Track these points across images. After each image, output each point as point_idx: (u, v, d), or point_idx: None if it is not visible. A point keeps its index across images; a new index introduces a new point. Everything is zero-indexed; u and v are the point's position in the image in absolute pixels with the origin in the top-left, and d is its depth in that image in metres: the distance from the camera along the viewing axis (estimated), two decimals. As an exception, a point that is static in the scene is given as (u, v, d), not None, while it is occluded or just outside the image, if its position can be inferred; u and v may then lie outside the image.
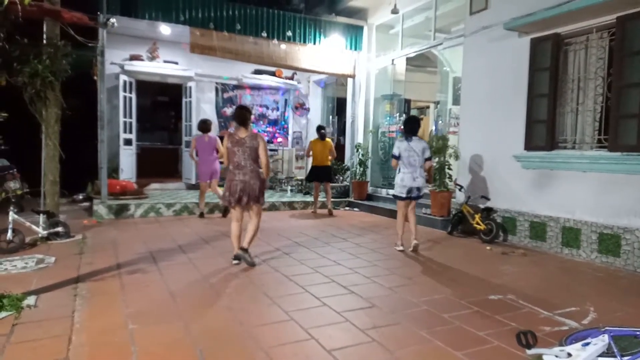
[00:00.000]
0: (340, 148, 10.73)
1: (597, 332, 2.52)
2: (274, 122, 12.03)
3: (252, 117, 4.89)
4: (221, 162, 7.20)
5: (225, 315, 3.37)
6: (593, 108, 5.46)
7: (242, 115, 4.79)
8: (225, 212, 7.90)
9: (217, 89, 11.39)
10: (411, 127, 5.64)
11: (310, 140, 9.28)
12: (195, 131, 10.75)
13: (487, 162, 6.64)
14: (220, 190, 7.65)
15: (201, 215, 7.88)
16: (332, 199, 9.55)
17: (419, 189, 5.54)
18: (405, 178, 5.50)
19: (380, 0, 9.18)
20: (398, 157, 5.56)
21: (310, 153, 8.70)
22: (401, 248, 5.61)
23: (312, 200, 9.10)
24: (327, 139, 8.76)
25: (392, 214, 8.37)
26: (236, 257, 4.69)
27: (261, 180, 4.73)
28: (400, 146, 5.55)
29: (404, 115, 10.26)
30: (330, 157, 8.67)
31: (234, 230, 4.78)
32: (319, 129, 8.78)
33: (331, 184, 9.89)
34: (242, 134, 4.70)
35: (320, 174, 8.66)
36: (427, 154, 5.58)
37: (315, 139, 8.74)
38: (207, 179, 7.65)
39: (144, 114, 12.05)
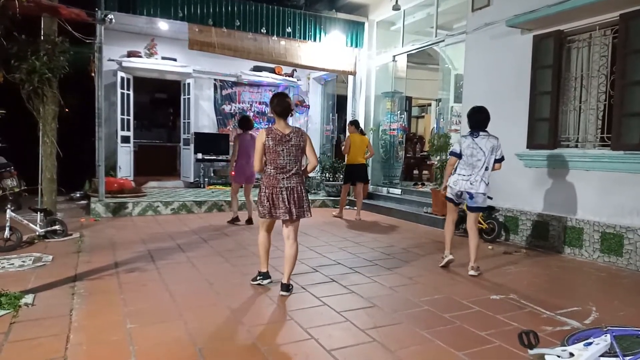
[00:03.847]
0: (339, 146, 10.67)
1: (599, 332, 2.50)
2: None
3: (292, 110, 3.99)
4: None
5: (225, 315, 3.33)
6: (596, 106, 5.42)
7: (286, 104, 3.80)
8: (250, 219, 7.08)
9: (215, 86, 11.33)
10: (479, 119, 4.58)
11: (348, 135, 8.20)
12: (194, 129, 10.77)
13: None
14: (252, 197, 7.01)
15: (235, 220, 7.03)
16: (333, 198, 9.51)
17: (472, 195, 4.54)
18: (460, 181, 4.57)
19: (382, -4, 9.14)
20: (459, 155, 4.58)
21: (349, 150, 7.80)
22: (450, 257, 4.70)
23: (311, 199, 9.01)
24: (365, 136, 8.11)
25: (393, 212, 8.37)
26: (267, 275, 3.99)
27: (305, 186, 3.93)
28: (462, 142, 4.59)
29: (405, 112, 10.23)
30: (367, 155, 7.99)
31: (264, 241, 3.94)
32: (359, 123, 8.14)
33: (333, 183, 9.87)
34: (286, 129, 3.78)
35: (357, 174, 7.92)
36: (499, 154, 4.54)
37: (353, 133, 7.89)
38: (243, 182, 7.01)
39: (142, 111, 12.02)
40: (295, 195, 3.76)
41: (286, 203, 3.73)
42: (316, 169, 10.79)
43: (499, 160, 4.58)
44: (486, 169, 4.52)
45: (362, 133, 8.10)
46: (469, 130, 4.66)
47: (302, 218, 3.84)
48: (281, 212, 3.73)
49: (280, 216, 3.75)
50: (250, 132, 7.00)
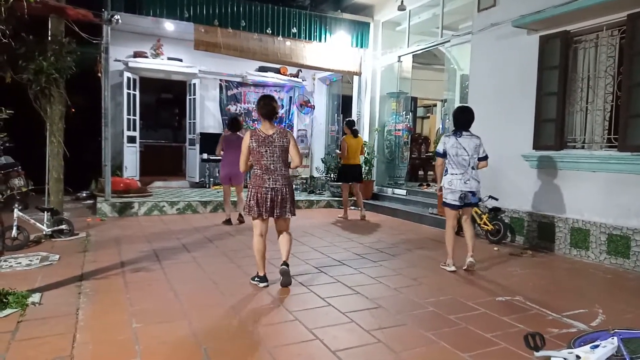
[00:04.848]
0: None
1: (606, 335, 2.48)
2: (278, 120, 11.99)
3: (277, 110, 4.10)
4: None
5: (230, 315, 3.34)
6: (603, 107, 5.39)
7: (270, 107, 3.91)
8: (241, 217, 7.13)
9: (221, 86, 11.36)
10: (465, 119, 4.66)
11: (342, 137, 8.27)
12: (199, 129, 10.81)
13: (495, 162, 6.53)
14: (244, 197, 7.35)
15: (227, 222, 7.06)
16: (337, 198, 9.50)
17: (473, 193, 4.61)
18: (455, 181, 4.59)
19: (387, -3, 9.14)
20: (443, 155, 4.67)
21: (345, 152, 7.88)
22: (453, 268, 4.66)
23: (316, 199, 8.99)
24: (359, 136, 8.19)
25: (398, 213, 8.36)
26: (265, 279, 4.00)
27: (292, 187, 4.07)
28: (446, 142, 4.65)
29: (410, 113, 10.21)
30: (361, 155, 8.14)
31: (258, 246, 3.98)
32: (352, 124, 8.14)
33: (338, 183, 9.85)
34: (269, 130, 3.89)
35: (352, 174, 8.01)
36: (482, 152, 4.64)
37: (347, 135, 7.98)
38: (228, 182, 7.09)
39: (148, 111, 12.08)
40: (280, 197, 3.92)
41: (268, 202, 3.89)
42: (320, 169, 10.91)
43: (483, 159, 4.67)
44: (472, 168, 4.63)
45: (355, 134, 8.00)
46: (453, 129, 4.75)
47: (283, 217, 4.00)
48: (264, 211, 3.90)
49: (264, 215, 3.91)
50: (237, 132, 7.06)
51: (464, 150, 4.58)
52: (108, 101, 7.77)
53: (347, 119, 8.61)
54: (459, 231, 5.33)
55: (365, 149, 8.92)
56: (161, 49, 10.35)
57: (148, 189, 9.09)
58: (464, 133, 4.63)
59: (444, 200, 4.80)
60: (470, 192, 4.62)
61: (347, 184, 8.10)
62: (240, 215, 7.15)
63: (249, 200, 3.93)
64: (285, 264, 4.03)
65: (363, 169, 9.42)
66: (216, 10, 8.03)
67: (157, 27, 9.50)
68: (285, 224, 4.08)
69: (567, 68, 5.66)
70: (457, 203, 4.66)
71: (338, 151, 8.44)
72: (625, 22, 5.04)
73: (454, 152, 4.60)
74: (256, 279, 4.05)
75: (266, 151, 3.86)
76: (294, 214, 4.05)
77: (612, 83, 5.29)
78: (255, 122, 11.65)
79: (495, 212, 6.24)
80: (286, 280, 3.99)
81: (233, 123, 7.22)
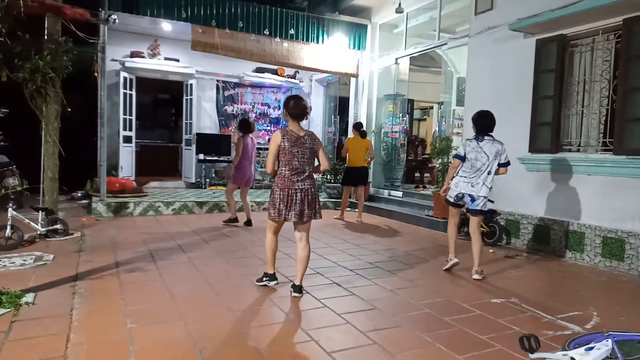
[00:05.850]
0: (341, 148, 10.65)
1: (600, 337, 2.49)
2: (275, 121, 12.01)
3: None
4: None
5: (225, 316, 3.33)
6: (598, 111, 5.42)
7: (302, 107, 3.81)
8: (250, 221, 7.03)
9: (218, 87, 11.35)
10: (484, 123, 4.63)
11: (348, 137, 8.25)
12: (196, 129, 10.79)
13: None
14: (248, 199, 7.12)
15: (233, 221, 7.06)
16: (334, 200, 9.51)
17: (473, 198, 4.54)
18: (461, 183, 4.61)
19: (385, -1, 9.17)
20: (463, 158, 4.64)
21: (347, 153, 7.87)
22: (455, 260, 4.75)
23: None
24: (367, 138, 8.05)
25: (394, 215, 8.36)
26: (275, 277, 4.03)
27: (317, 189, 3.93)
28: (467, 146, 4.63)
29: (407, 115, 10.23)
30: (369, 159, 7.99)
31: (271, 244, 3.94)
32: (360, 126, 8.04)
33: (334, 185, 9.87)
34: (300, 131, 3.79)
35: (353, 177, 7.92)
36: (503, 158, 4.55)
37: (352, 136, 8.01)
38: (243, 184, 6.99)
39: (144, 111, 12.03)
40: (310, 196, 3.77)
41: (299, 204, 3.72)
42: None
43: (504, 165, 4.57)
44: (489, 173, 4.53)
45: (362, 136, 7.96)
46: (474, 134, 4.68)
47: (313, 219, 3.83)
48: (293, 214, 3.72)
49: (292, 218, 3.72)
50: (250, 135, 6.97)
51: (484, 154, 4.52)
52: (104, 101, 7.74)
53: (355, 122, 8.61)
54: (462, 229, 5.41)
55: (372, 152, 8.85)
56: (158, 49, 10.34)
57: (144, 189, 9.05)
58: (485, 138, 4.59)
59: (446, 198, 4.83)
60: (470, 195, 4.55)
61: (348, 187, 8.09)
62: (249, 219, 7.00)
63: (276, 203, 3.73)
64: (299, 289, 3.79)
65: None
66: (214, 10, 8.03)
67: (155, 27, 9.47)
68: (307, 227, 3.84)
69: (563, 72, 5.69)
70: (451, 200, 4.71)
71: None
72: (621, 27, 5.07)
73: (474, 155, 4.56)
74: (264, 279, 4.02)
75: (298, 152, 3.71)
76: (321, 216, 3.89)
77: (607, 87, 5.33)
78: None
79: (491, 214, 6.25)
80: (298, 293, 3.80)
81: (246, 125, 7.01)
